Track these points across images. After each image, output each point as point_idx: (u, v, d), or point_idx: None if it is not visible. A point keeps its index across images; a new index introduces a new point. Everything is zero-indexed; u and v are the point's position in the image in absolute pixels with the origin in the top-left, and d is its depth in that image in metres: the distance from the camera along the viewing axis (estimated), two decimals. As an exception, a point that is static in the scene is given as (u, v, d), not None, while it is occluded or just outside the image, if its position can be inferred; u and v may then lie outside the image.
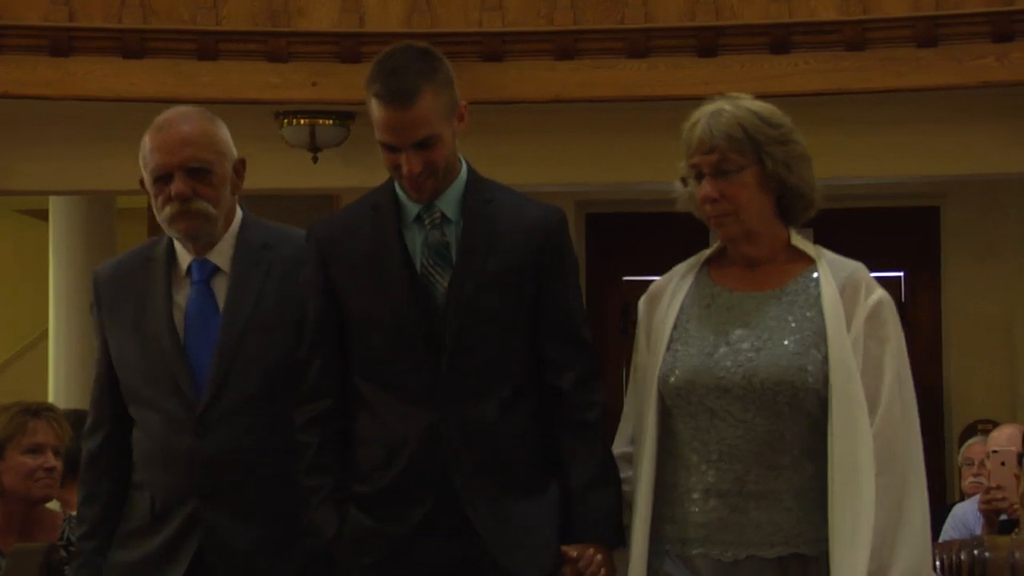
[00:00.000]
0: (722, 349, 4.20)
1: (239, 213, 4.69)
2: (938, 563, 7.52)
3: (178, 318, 4.60)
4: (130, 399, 4.64)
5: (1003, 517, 7.98)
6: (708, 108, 4.28)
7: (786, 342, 4.19)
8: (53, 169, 13.53)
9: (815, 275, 4.27)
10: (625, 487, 4.42)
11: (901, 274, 16.05)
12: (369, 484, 4.35)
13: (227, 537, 4.50)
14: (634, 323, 4.85)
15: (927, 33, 12.07)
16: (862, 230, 14.71)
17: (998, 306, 14.91)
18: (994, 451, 8.39)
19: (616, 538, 4.34)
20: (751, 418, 4.13)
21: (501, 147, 12.81)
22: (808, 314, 4.22)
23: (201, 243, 4.59)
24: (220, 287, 4.62)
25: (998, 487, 8.00)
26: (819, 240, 13.59)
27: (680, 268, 4.43)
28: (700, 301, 4.31)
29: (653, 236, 15.64)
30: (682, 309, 4.32)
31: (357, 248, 4.44)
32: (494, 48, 13.05)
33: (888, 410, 4.13)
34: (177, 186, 4.42)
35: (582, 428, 4.37)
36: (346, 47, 12.09)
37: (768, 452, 4.14)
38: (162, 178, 4.49)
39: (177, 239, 4.64)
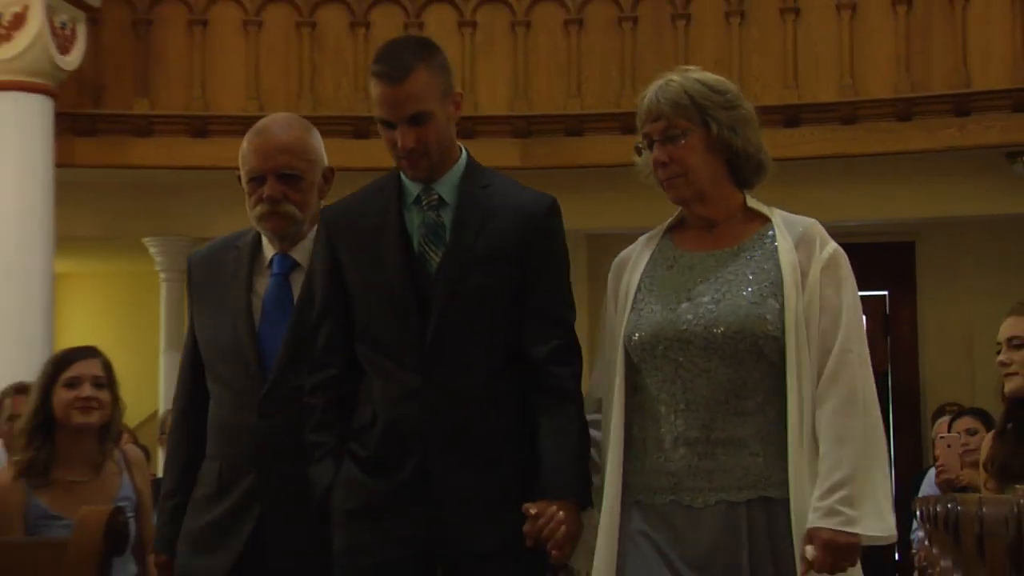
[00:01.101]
0: (684, 304, 3.93)
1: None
2: (919, 512, 8.44)
3: (256, 305, 4.39)
4: (209, 374, 4.51)
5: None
6: (659, 80, 4.06)
7: (744, 293, 3.93)
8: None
9: (771, 232, 4.02)
10: (593, 450, 4.19)
11: (885, 293, 16.29)
12: (360, 443, 4.17)
13: (285, 507, 4.27)
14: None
15: (904, 110, 12.67)
16: (855, 259, 14.38)
17: (960, 317, 14.93)
18: (940, 436, 8.62)
19: (583, 497, 4.04)
20: (714, 367, 3.88)
21: (579, 202, 13.30)
22: (765, 267, 3.95)
23: (286, 241, 4.43)
24: (298, 281, 4.41)
25: (942, 465, 8.06)
26: None
27: (644, 237, 4.16)
28: (663, 264, 4.02)
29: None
30: (645, 272, 4.02)
31: (360, 225, 4.23)
32: (575, 125, 13.20)
33: (847, 349, 3.88)
34: (269, 189, 4.29)
35: (555, 393, 4.09)
36: (462, 127, 10.39)
37: (732, 399, 3.89)
38: (256, 179, 4.35)
39: (270, 236, 4.48)
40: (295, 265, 4.43)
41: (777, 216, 4.05)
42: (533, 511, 3.90)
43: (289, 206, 4.32)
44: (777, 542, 3.80)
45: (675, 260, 4.04)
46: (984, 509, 3.98)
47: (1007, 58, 12.67)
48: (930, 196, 13.60)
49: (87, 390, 5.80)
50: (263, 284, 4.43)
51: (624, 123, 12.68)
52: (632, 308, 3.98)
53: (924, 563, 7.74)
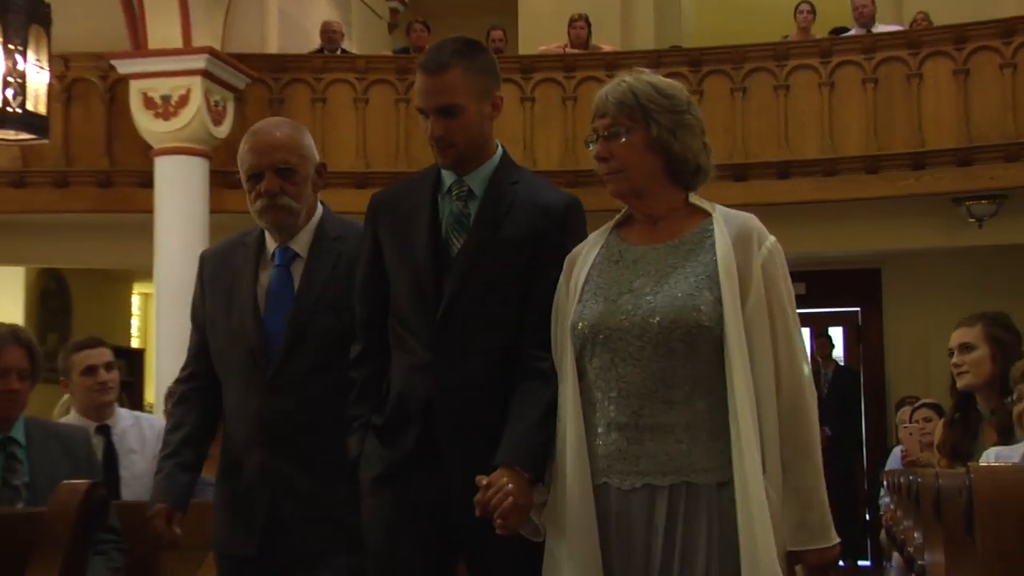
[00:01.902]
0: (624, 296, 3.47)
1: (319, 209, 4.14)
2: (886, 483, 8.32)
3: (260, 295, 4.02)
4: (216, 360, 4.11)
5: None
6: (614, 80, 3.63)
7: (681, 285, 3.43)
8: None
9: (711, 227, 3.50)
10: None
11: (858, 309, 16.14)
12: (379, 413, 3.81)
13: (292, 482, 3.91)
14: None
15: (872, 165, 12.65)
16: (836, 281, 15.35)
17: (918, 329, 14.62)
18: (904, 425, 8.60)
19: (533, 470, 3.54)
20: (647, 356, 3.40)
21: None
22: (703, 260, 3.43)
23: (284, 233, 4.04)
24: (298, 271, 4.04)
25: (906, 451, 8.01)
26: (810, 287, 14.47)
27: (595, 233, 3.67)
28: (609, 257, 3.53)
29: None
30: (593, 266, 3.54)
31: (400, 210, 3.89)
32: None
33: (788, 347, 3.42)
34: (266, 184, 3.93)
35: (530, 375, 3.63)
36: None
37: (662, 388, 3.39)
38: (255, 176, 3.99)
39: (266, 229, 4.11)
40: (295, 256, 4.04)
41: (717, 211, 3.54)
42: (484, 481, 3.44)
43: (286, 198, 3.96)
44: (699, 526, 3.30)
45: (620, 254, 3.54)
46: (940, 481, 3.91)
47: (953, 124, 12.63)
48: (892, 233, 13.53)
49: None
50: (267, 276, 4.05)
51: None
52: (579, 300, 3.51)
53: (890, 523, 7.58)
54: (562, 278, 3.62)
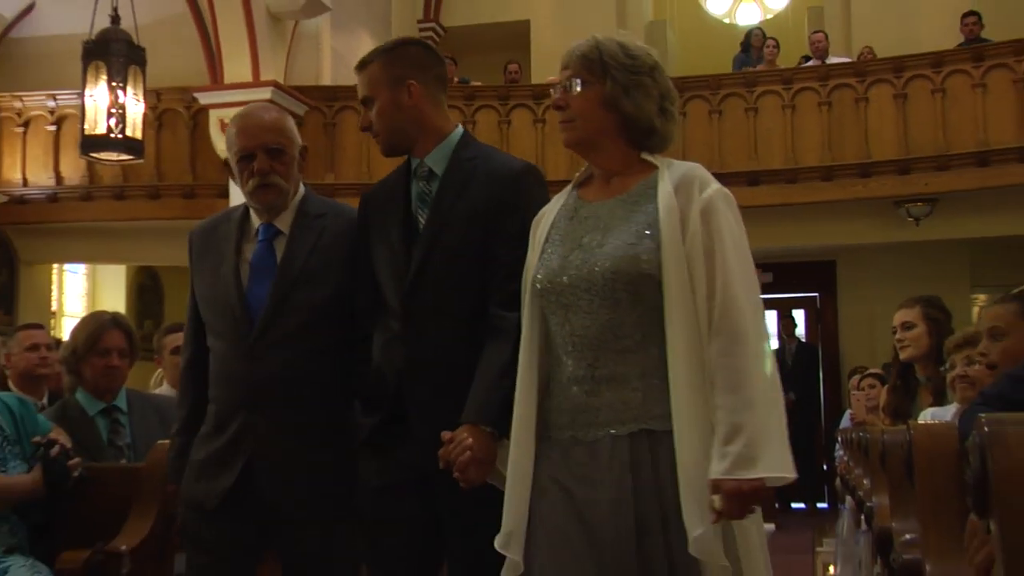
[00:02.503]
0: (575, 252, 3.06)
1: (302, 189, 3.71)
2: (839, 439, 8.58)
3: (243, 269, 3.58)
4: (208, 330, 3.68)
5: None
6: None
7: (623, 236, 3.02)
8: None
9: (656, 179, 3.03)
10: None
11: (816, 294, 16.11)
12: (366, 384, 3.50)
13: (270, 443, 3.48)
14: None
15: (827, 174, 12.64)
16: (798, 272, 15.20)
17: (865, 310, 14.62)
18: (853, 392, 8.54)
19: (494, 423, 3.13)
20: (596, 308, 3.00)
21: None
22: (646, 209, 2.99)
23: (272, 212, 3.62)
24: (280, 246, 3.61)
25: (854, 413, 8.09)
26: (776, 276, 14.42)
27: (560, 193, 3.22)
28: (567, 215, 3.11)
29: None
30: (553, 224, 3.12)
31: (381, 196, 3.57)
32: None
33: (730, 294, 2.87)
34: (259, 163, 3.51)
35: (495, 334, 3.23)
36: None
37: (612, 339, 2.98)
38: (246, 157, 3.55)
39: (255, 209, 3.68)
40: (278, 233, 3.61)
41: (664, 163, 3.06)
42: (447, 436, 3.10)
43: (276, 177, 3.52)
44: (661, 473, 2.88)
45: (576, 211, 3.11)
46: (885, 436, 3.89)
47: (893, 139, 12.63)
48: (844, 230, 13.48)
49: None
50: (251, 249, 3.61)
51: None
52: (540, 257, 3.10)
53: (843, 472, 7.67)
54: (531, 237, 3.17)
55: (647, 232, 2.95)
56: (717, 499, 2.71)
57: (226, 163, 3.69)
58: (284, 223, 3.60)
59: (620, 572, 2.82)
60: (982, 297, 14.54)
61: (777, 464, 2.73)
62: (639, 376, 2.95)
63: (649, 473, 2.87)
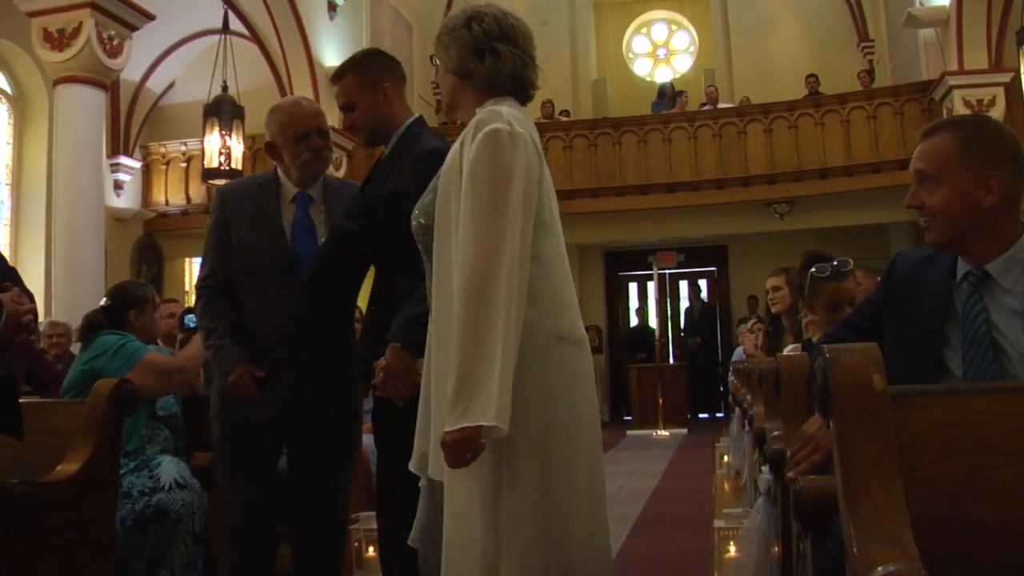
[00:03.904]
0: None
1: None
2: (731, 369, 8.34)
3: (286, 226, 3.03)
4: (249, 272, 3.04)
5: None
6: None
7: (427, 191, 2.39)
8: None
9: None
10: None
11: (715, 269, 15.80)
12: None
13: (314, 366, 2.97)
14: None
15: (720, 183, 12.68)
16: (702, 253, 15.10)
17: (748, 280, 14.40)
18: (743, 334, 8.62)
19: (404, 340, 2.53)
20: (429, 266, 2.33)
21: (602, 230, 13.75)
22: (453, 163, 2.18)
23: (311, 181, 3.10)
24: (314, 210, 3.07)
25: (744, 350, 8.01)
26: (688, 257, 14.57)
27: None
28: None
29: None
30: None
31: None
32: (614, 191, 12.76)
33: (465, 236, 2.01)
34: (315, 140, 3.04)
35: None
36: (566, 192, 9.86)
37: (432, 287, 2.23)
38: (304, 136, 3.03)
39: (299, 178, 3.09)
40: (311, 199, 3.10)
41: (481, 111, 2.18)
42: (381, 363, 2.57)
43: (327, 151, 3.09)
44: None
45: None
46: (762, 365, 3.84)
47: (764, 159, 12.70)
48: (732, 223, 13.44)
49: None
50: (289, 211, 3.07)
51: (635, 190, 12.61)
52: None
53: (734, 392, 7.60)
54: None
55: (433, 185, 2.37)
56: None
57: (267, 146, 3.17)
58: (316, 192, 3.13)
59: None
60: (825, 268, 14.75)
61: (485, 412, 1.91)
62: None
63: None
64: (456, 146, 2.19)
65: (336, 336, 3.07)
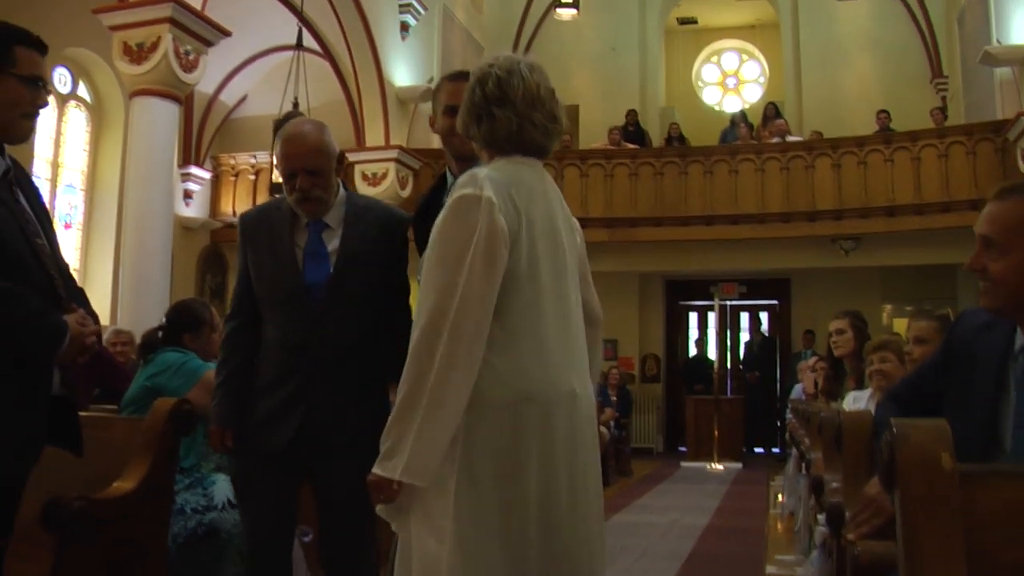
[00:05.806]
0: None
1: (341, 190, 3.07)
2: (790, 407, 8.05)
3: (298, 254, 2.95)
4: (263, 301, 3.02)
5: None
6: None
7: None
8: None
9: None
10: None
11: (776, 302, 15.52)
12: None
13: (327, 393, 2.89)
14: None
15: (785, 217, 12.51)
16: (764, 286, 14.89)
17: (809, 315, 14.37)
18: (804, 373, 8.15)
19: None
20: None
21: (632, 262, 13.66)
22: None
23: (317, 215, 2.98)
24: (327, 237, 2.99)
25: (804, 388, 7.87)
26: (750, 289, 14.38)
27: None
28: None
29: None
30: None
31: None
32: (634, 221, 12.88)
33: (423, 292, 2.14)
34: (300, 182, 2.92)
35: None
36: (584, 221, 10.59)
37: None
38: (290, 175, 2.96)
39: (303, 213, 3.01)
40: (325, 226, 3.00)
41: (469, 173, 2.23)
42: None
43: (317, 191, 2.94)
44: None
45: None
46: (823, 413, 3.55)
47: (832, 195, 12.52)
48: (797, 257, 13.25)
49: None
50: (303, 238, 2.99)
51: (653, 221, 12.65)
52: None
53: (792, 430, 7.28)
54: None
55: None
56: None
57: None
58: (331, 219, 3.04)
59: None
60: (888, 307, 14.59)
61: (391, 464, 2.06)
62: None
63: None
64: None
65: (355, 361, 2.96)
